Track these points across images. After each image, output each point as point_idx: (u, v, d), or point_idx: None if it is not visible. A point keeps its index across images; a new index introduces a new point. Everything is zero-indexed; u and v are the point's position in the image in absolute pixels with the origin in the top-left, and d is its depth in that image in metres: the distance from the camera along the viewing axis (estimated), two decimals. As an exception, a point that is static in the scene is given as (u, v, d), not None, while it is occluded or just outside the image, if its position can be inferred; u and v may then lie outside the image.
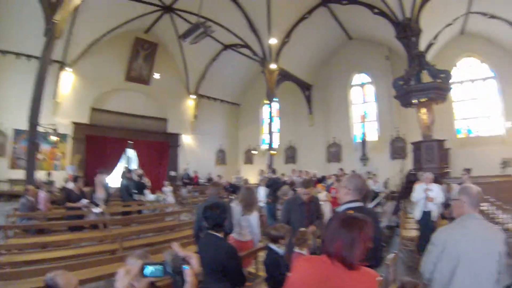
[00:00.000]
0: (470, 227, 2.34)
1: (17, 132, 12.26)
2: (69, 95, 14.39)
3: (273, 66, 15.44)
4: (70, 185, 8.63)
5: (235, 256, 2.96)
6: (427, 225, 6.37)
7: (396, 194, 12.43)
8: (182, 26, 14.70)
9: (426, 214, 6.44)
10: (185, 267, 1.21)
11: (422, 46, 11.57)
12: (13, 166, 12.54)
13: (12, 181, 11.81)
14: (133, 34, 16.12)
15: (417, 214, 6.66)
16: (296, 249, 3.44)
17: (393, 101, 13.23)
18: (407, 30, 10.90)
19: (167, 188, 13.38)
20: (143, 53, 16.73)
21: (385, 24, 12.12)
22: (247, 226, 4.65)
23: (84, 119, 14.97)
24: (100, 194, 8.40)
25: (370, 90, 17.25)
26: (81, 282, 3.60)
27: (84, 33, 13.85)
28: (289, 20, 15.06)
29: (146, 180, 12.45)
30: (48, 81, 11.58)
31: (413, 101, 10.86)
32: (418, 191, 6.59)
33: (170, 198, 13.13)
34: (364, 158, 15.87)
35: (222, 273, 2.82)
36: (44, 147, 12.94)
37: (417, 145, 11.17)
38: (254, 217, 4.71)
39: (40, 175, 11.48)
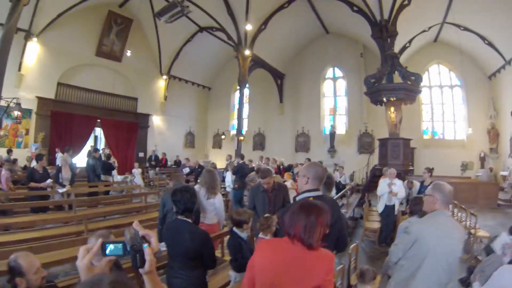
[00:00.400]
0: (441, 223, 2.50)
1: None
2: (34, 67, 13.37)
3: (247, 52, 15.31)
4: (34, 164, 8.28)
5: (209, 241, 2.92)
6: (388, 218, 6.81)
7: (361, 187, 13.02)
8: (158, 3, 14.22)
9: (389, 208, 6.87)
10: (145, 246, 1.19)
11: (396, 48, 12.02)
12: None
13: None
14: (107, 7, 15.23)
15: (380, 207, 7.05)
16: (260, 234, 3.48)
17: (364, 97, 13.71)
18: (383, 30, 11.24)
19: (137, 170, 13.08)
20: (116, 29, 15.88)
21: (362, 22, 12.39)
22: (212, 210, 4.67)
23: (50, 94, 14.05)
24: (65, 174, 8.15)
25: (342, 84, 17.70)
26: (46, 265, 3.56)
27: (54, 0, 12.86)
28: (267, 8, 14.96)
29: (113, 161, 12.11)
30: (12, 50, 10.91)
31: (383, 99, 11.30)
32: (383, 185, 6.96)
33: (139, 180, 12.88)
34: (331, 150, 16.37)
35: (197, 261, 2.78)
36: (5, 122, 12.01)
37: (383, 142, 11.69)
38: (218, 200, 4.72)
39: (1, 152, 10.85)
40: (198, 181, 6.94)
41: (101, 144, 17.28)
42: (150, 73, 18.52)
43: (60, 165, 8.38)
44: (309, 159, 12.31)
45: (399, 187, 6.81)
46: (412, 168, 12.33)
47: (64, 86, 14.68)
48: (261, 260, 1.82)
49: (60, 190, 7.70)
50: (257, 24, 15.11)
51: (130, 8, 15.94)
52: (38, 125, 13.49)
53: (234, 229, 3.54)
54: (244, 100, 18.17)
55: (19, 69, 12.81)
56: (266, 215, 3.72)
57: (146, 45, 17.77)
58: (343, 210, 7.59)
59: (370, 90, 11.68)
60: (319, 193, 2.52)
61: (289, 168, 12.49)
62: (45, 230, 5.79)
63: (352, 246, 3.98)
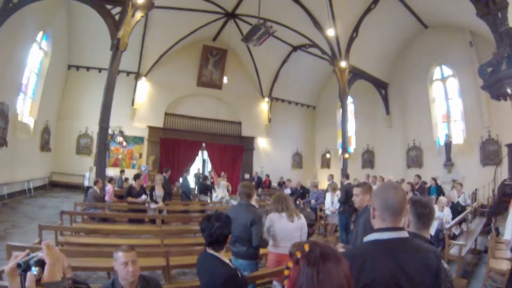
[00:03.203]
0: None
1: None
2: (145, 102, 16.24)
3: (343, 64, 14.60)
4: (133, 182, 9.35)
5: (233, 285, 2.35)
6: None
7: (486, 209, 10.48)
8: (247, 30, 14.94)
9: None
10: (33, 270, 0.98)
11: (511, 21, 9.44)
12: (98, 163, 14.37)
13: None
14: (201, 42, 17.21)
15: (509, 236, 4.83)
16: None
17: (482, 95, 11.20)
18: (489, 4, 9.02)
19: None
20: (212, 60, 17.71)
21: (463, 3, 10.21)
22: (294, 237, 3.94)
23: (159, 123, 16.56)
24: (158, 192, 8.96)
25: (453, 84, 14.64)
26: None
27: (155, 45, 15.46)
28: (354, 13, 13.99)
29: (226, 184, 12.29)
30: (126, 90, 14.06)
31: (506, 90, 8.91)
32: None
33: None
34: (448, 164, 13.70)
35: None
36: (116, 147, 14.68)
37: (514, 148, 9.20)
38: (303, 223, 4.07)
39: (115, 172, 13.00)
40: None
41: (208, 167, 18.67)
42: (251, 97, 19.50)
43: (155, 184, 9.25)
44: (418, 176, 10.55)
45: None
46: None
47: (170, 116, 17.03)
48: None
49: (153, 206, 8.43)
50: (347, 32, 14.34)
51: (223, 39, 17.40)
52: (149, 150, 15.82)
53: None
54: (349, 115, 17.35)
55: (132, 104, 15.74)
56: None
57: (244, 70, 18.95)
58: (460, 242, 5.93)
59: (487, 82, 9.25)
60: (401, 234, 1.59)
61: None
62: (138, 239, 6.35)
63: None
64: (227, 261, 2.52)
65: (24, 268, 0.98)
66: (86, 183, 12.05)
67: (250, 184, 4.29)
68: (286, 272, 1.16)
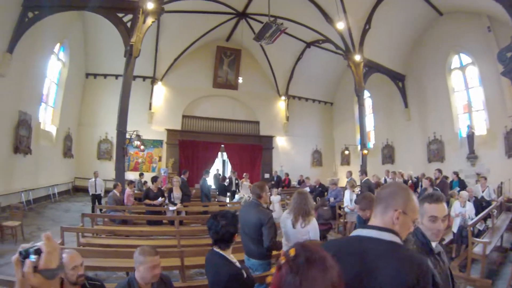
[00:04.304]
0: None
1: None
2: (162, 106, 16.65)
3: (357, 57, 14.30)
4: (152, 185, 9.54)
5: (236, 282, 2.33)
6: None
7: (512, 203, 9.99)
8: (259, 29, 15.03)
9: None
10: (31, 258, 1.02)
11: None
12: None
13: (117, 180, 13.86)
14: (215, 43, 17.41)
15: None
16: None
17: (504, 82, 10.71)
18: None
19: (275, 197, 9.99)
20: (227, 60, 17.88)
21: None
22: (304, 239, 3.73)
23: (177, 125, 16.89)
24: (176, 193, 9.10)
25: (473, 72, 13.90)
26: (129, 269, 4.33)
27: (169, 49, 15.81)
28: (365, 5, 13.68)
29: (248, 184, 12.41)
30: (143, 95, 14.59)
31: None
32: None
33: (277, 208, 9.62)
34: (471, 157, 13.14)
35: None
36: (135, 151, 15.23)
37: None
38: (312, 227, 3.86)
39: (135, 175, 13.32)
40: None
41: (228, 168, 18.83)
42: (268, 96, 19.52)
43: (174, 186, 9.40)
44: (439, 170, 10.14)
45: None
46: None
47: (188, 118, 17.30)
48: None
49: (171, 208, 8.58)
50: (360, 25, 14.05)
51: (236, 39, 17.49)
52: (168, 153, 16.25)
53: None
54: (366, 110, 17.02)
55: (150, 108, 16.15)
56: None
57: (259, 70, 18.99)
58: (484, 239, 5.68)
59: (507, 67, 8.78)
60: (384, 235, 1.43)
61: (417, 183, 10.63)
62: (156, 240, 6.66)
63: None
64: (234, 259, 2.52)
65: (24, 255, 1.03)
66: (91, 191, 11.08)
67: (261, 184, 4.23)
68: (268, 279, 1.05)
